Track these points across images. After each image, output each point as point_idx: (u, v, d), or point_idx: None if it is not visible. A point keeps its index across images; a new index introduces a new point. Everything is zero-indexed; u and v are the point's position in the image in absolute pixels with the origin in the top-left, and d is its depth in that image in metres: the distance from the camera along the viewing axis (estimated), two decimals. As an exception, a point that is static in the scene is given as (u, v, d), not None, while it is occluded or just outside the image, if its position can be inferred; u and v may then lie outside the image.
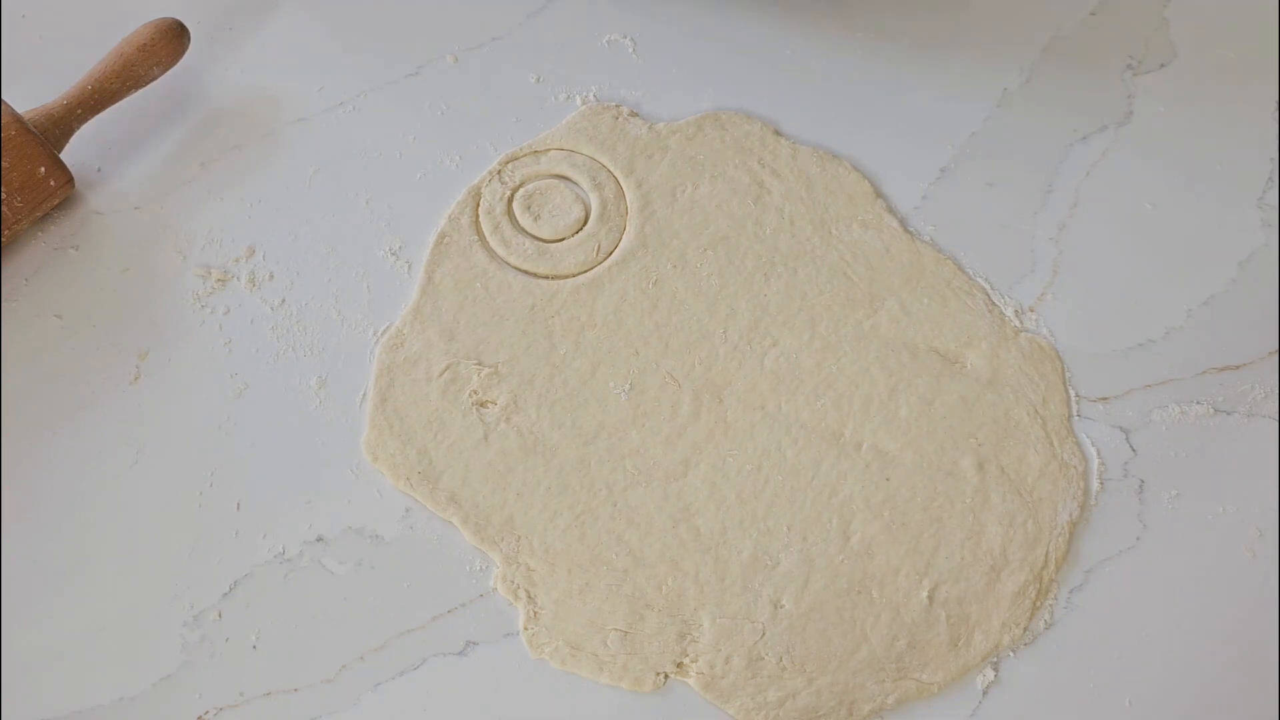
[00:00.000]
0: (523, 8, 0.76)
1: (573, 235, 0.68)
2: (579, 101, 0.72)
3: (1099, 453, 0.65)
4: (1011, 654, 0.61)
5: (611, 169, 0.70)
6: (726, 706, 0.59)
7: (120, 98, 0.67)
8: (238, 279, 0.66)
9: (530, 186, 0.69)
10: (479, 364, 0.64)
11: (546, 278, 0.67)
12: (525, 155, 0.70)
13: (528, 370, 0.64)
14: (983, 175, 0.72)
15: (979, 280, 0.69)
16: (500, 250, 0.67)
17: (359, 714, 0.58)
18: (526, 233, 0.68)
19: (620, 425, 0.63)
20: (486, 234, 0.68)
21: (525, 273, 0.67)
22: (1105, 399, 0.67)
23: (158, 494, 0.61)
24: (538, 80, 0.73)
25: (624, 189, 0.70)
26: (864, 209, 0.70)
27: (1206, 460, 0.66)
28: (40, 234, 0.67)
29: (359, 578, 0.60)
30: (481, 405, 0.64)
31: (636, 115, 0.72)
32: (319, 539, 0.61)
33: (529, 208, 0.69)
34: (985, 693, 0.60)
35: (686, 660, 0.59)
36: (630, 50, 0.75)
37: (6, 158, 0.62)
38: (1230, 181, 0.73)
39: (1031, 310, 0.69)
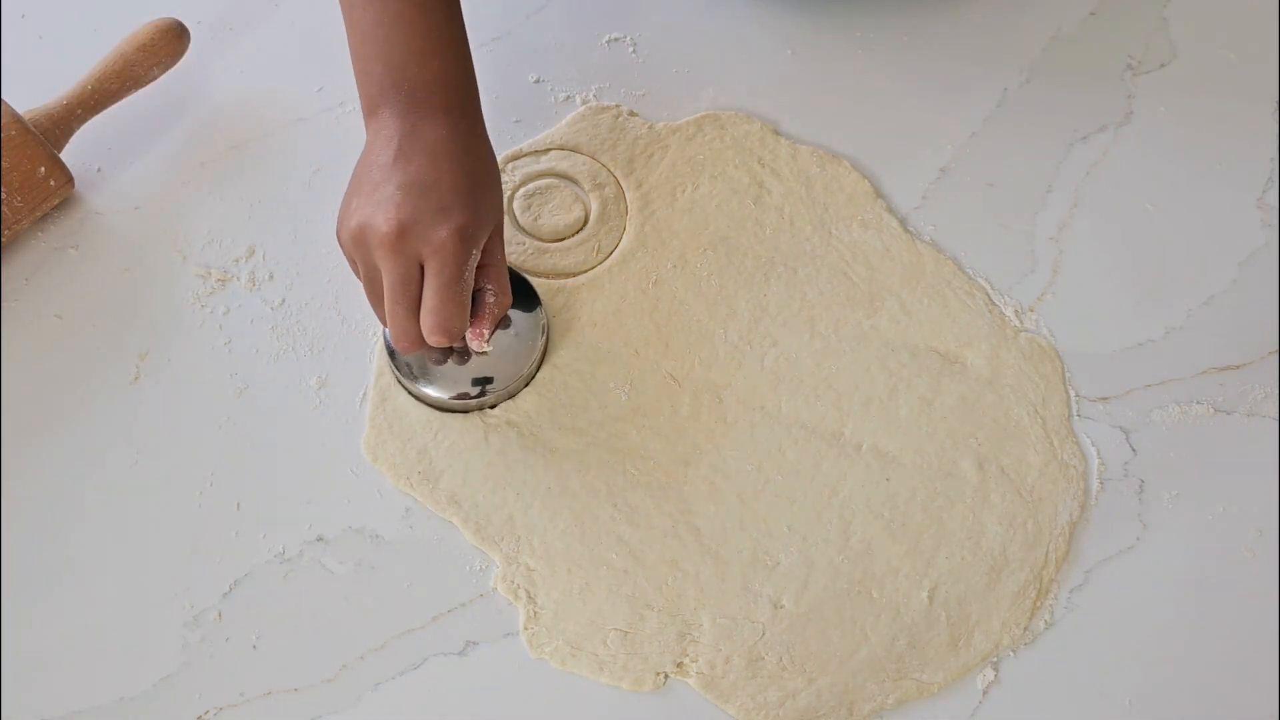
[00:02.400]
0: (523, 8, 0.76)
1: (573, 235, 0.68)
2: (579, 101, 0.72)
3: (1099, 453, 0.65)
4: (1011, 654, 0.61)
5: (611, 169, 0.70)
6: (726, 706, 0.59)
7: (120, 98, 0.67)
8: (238, 279, 0.66)
9: (530, 186, 0.69)
10: (479, 364, 0.64)
11: (547, 277, 0.67)
12: (525, 155, 0.70)
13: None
14: (983, 175, 0.72)
15: (979, 280, 0.69)
16: (500, 250, 0.67)
17: (359, 714, 0.58)
18: (526, 232, 0.68)
19: (620, 425, 0.63)
20: (486, 234, 0.68)
21: (525, 272, 0.66)
22: (1105, 399, 0.67)
23: (158, 494, 0.61)
24: (538, 80, 0.73)
25: (624, 189, 0.70)
26: (864, 209, 0.70)
27: (1206, 460, 0.66)
28: (40, 234, 0.67)
29: (359, 578, 0.60)
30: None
31: (636, 115, 0.72)
32: (319, 539, 0.61)
33: (529, 207, 0.69)
34: (985, 693, 0.60)
35: (686, 660, 0.59)
36: (630, 50, 0.75)
37: (6, 158, 0.62)
38: (1230, 181, 0.73)
39: (1031, 310, 0.69)
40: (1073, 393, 0.67)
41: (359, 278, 0.57)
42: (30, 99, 0.66)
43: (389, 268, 0.53)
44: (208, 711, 0.58)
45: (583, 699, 0.59)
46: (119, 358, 0.64)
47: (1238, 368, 0.68)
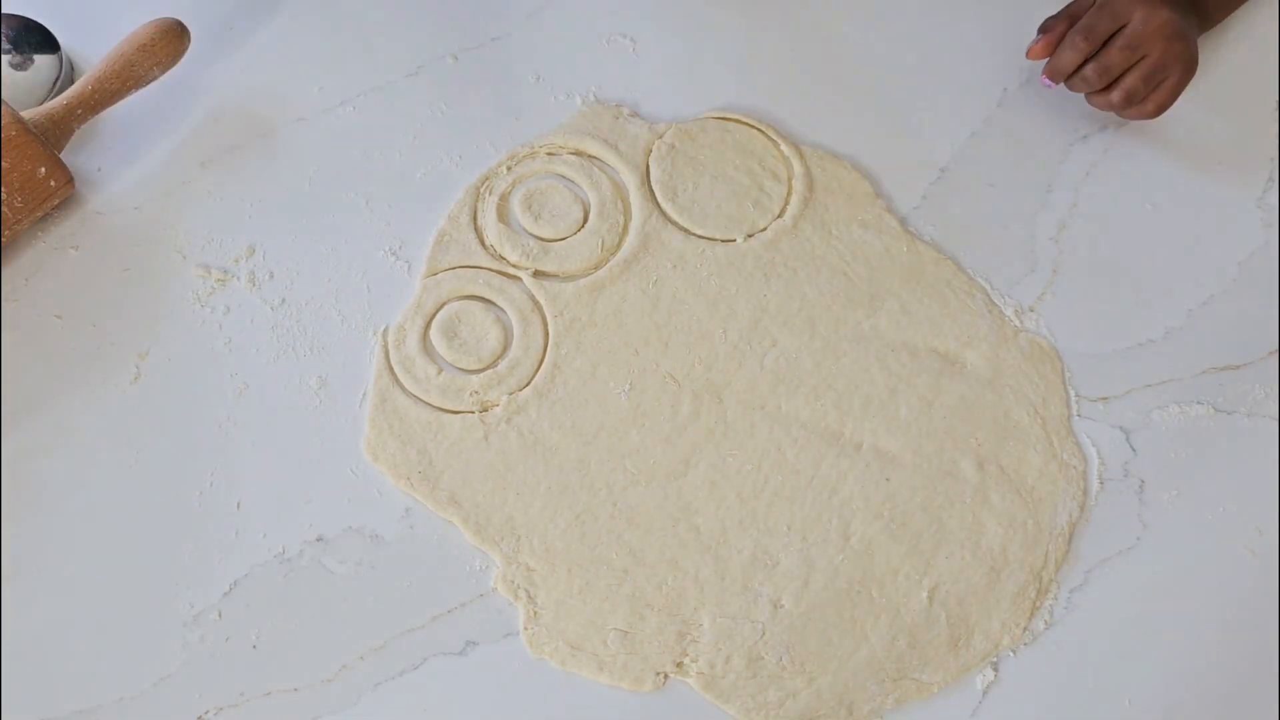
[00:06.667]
0: (523, 7, 0.76)
1: (574, 234, 0.68)
2: (579, 101, 0.72)
3: (1099, 453, 0.65)
4: (1011, 654, 0.61)
5: (611, 168, 0.70)
6: (726, 706, 0.59)
7: (120, 98, 0.67)
8: (238, 279, 0.66)
9: (530, 185, 0.69)
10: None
11: (549, 277, 0.67)
12: (526, 155, 0.70)
13: (528, 370, 0.64)
14: (983, 175, 0.72)
15: (979, 280, 0.69)
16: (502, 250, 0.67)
17: (359, 714, 0.58)
18: (527, 231, 0.68)
19: (620, 425, 0.63)
20: (486, 234, 0.68)
21: (524, 270, 0.66)
22: (1105, 399, 0.67)
23: (158, 494, 0.61)
24: (538, 80, 0.73)
25: (624, 188, 0.70)
26: (864, 209, 0.70)
27: (1206, 460, 0.66)
28: (40, 234, 0.67)
29: (359, 578, 0.60)
30: (482, 406, 0.64)
31: (637, 115, 0.72)
32: (319, 539, 0.61)
33: (529, 207, 0.69)
34: (985, 693, 0.60)
35: (686, 660, 0.59)
36: (630, 50, 0.75)
37: (6, 158, 0.62)
38: (1230, 181, 0.73)
39: (1031, 310, 0.69)
40: (1073, 393, 0.67)
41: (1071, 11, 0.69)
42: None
43: (1096, 14, 0.67)
44: (208, 711, 0.58)
45: (583, 699, 0.59)
46: (119, 358, 0.64)
47: (1238, 368, 0.68)
